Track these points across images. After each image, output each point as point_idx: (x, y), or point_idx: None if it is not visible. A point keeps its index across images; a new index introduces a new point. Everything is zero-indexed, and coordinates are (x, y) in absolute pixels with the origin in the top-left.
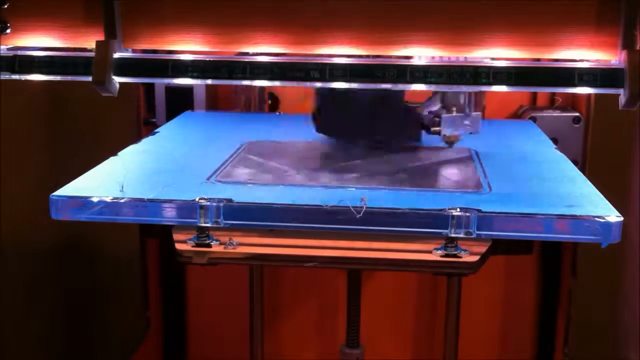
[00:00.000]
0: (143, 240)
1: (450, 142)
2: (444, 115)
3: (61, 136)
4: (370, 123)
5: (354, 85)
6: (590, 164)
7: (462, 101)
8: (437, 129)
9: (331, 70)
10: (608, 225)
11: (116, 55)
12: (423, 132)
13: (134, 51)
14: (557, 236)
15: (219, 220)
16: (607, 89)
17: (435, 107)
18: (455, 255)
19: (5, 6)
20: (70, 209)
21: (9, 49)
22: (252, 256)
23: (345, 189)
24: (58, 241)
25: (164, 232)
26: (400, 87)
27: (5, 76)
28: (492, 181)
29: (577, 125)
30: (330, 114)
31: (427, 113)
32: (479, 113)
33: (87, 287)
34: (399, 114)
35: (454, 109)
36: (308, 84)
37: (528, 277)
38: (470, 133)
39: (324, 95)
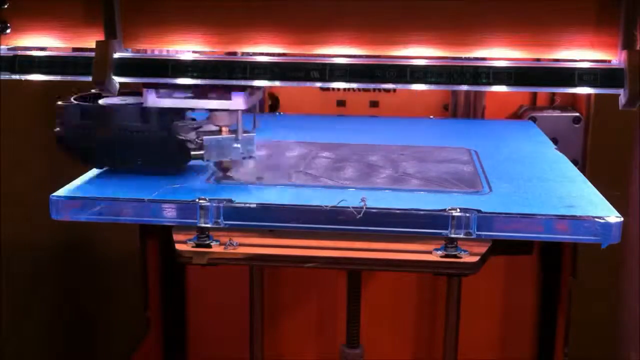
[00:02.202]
0: (143, 241)
1: (223, 169)
2: (205, 137)
3: None
4: (125, 146)
5: (353, 85)
6: (590, 164)
7: (233, 120)
8: (199, 152)
9: (331, 70)
10: (608, 225)
11: (116, 55)
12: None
13: (134, 51)
14: (557, 237)
15: (219, 220)
16: (607, 89)
17: (210, 128)
18: (455, 256)
19: (5, 6)
20: (70, 209)
21: (9, 49)
22: (252, 257)
23: (345, 189)
24: (58, 241)
25: (164, 233)
26: (399, 86)
27: (5, 76)
28: (492, 181)
29: (577, 125)
30: (76, 130)
31: (194, 135)
32: (252, 134)
33: (87, 287)
34: (161, 137)
35: (225, 129)
36: (308, 84)
37: (528, 277)
38: (244, 158)
39: (70, 108)
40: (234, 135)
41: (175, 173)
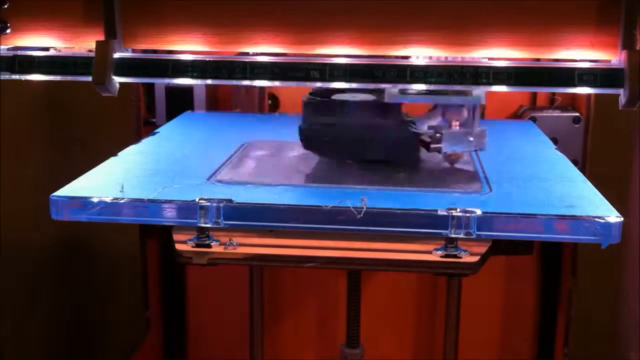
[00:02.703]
0: (143, 241)
1: (451, 161)
2: (446, 131)
3: (61, 136)
4: (363, 140)
5: (353, 85)
6: (590, 164)
7: (465, 115)
8: (438, 145)
9: (331, 70)
10: (608, 225)
11: (116, 55)
12: (422, 150)
13: (134, 51)
14: (557, 236)
15: (219, 220)
16: (607, 89)
17: (436, 122)
18: (455, 256)
19: (5, 6)
20: (70, 209)
21: (9, 49)
22: (252, 257)
23: (345, 189)
24: (58, 241)
25: (164, 233)
26: (400, 87)
27: (5, 76)
28: (492, 181)
29: (577, 125)
30: (319, 128)
31: (426, 128)
32: (484, 128)
33: (87, 287)
34: (396, 129)
35: (456, 123)
36: (308, 84)
37: (528, 277)
38: (475, 150)
39: (312, 105)
40: (469, 129)
41: (409, 165)
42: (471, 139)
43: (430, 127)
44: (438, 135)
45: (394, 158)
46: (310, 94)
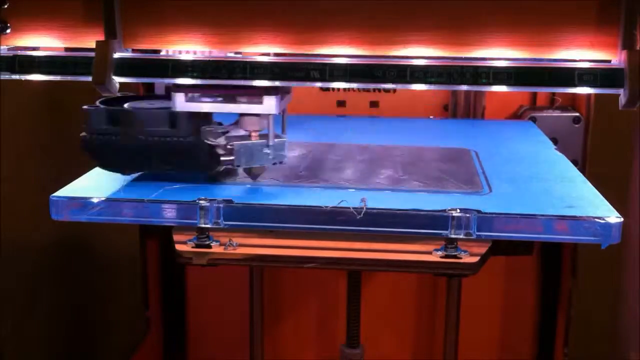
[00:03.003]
0: (143, 241)
1: (254, 175)
2: (236, 143)
3: (61, 136)
4: (147, 152)
5: (353, 85)
6: (590, 164)
7: (264, 124)
8: (229, 158)
9: (331, 70)
10: (608, 226)
11: (116, 55)
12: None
13: (134, 51)
14: (557, 237)
15: (219, 221)
16: (607, 89)
17: (239, 133)
18: (455, 256)
19: (5, 6)
20: (70, 209)
21: (9, 49)
22: (252, 257)
23: (345, 189)
24: (58, 242)
25: (164, 233)
26: (399, 86)
27: (5, 76)
28: (492, 182)
29: (577, 125)
30: (104, 135)
31: (223, 141)
32: (284, 139)
33: (87, 287)
34: (189, 141)
35: (255, 134)
36: (308, 84)
37: (528, 278)
38: (274, 164)
39: (96, 113)
40: (265, 141)
41: (204, 178)
42: (267, 151)
43: (229, 138)
44: (230, 146)
45: (187, 169)
46: (99, 102)
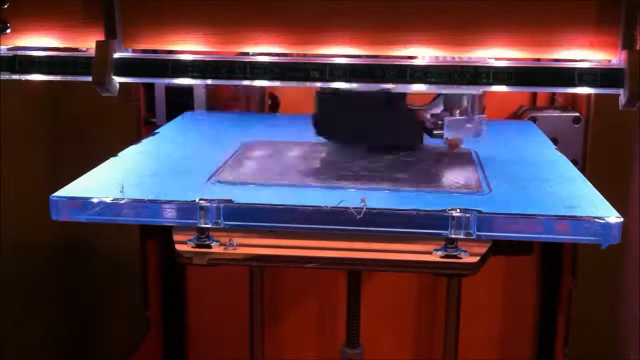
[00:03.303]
0: (143, 241)
1: (452, 146)
2: (447, 119)
3: (61, 136)
4: (371, 126)
5: (353, 85)
6: (590, 164)
7: (465, 104)
8: (440, 132)
9: (331, 70)
10: (608, 226)
11: (116, 55)
12: (425, 136)
13: (134, 51)
14: (557, 237)
15: (219, 221)
16: (607, 89)
17: (438, 110)
18: (455, 256)
19: (5, 6)
20: (70, 209)
21: (9, 49)
22: (252, 257)
23: (345, 189)
24: (58, 241)
25: (164, 233)
26: (400, 87)
27: (5, 76)
28: (492, 182)
29: (577, 125)
30: (331, 117)
31: (429, 116)
32: (483, 116)
33: (87, 287)
34: (402, 117)
35: (457, 111)
36: (308, 84)
37: (528, 277)
38: (474, 136)
39: (324, 98)
40: (467, 117)
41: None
42: (470, 125)
43: (432, 116)
44: (440, 122)
45: (400, 143)
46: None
